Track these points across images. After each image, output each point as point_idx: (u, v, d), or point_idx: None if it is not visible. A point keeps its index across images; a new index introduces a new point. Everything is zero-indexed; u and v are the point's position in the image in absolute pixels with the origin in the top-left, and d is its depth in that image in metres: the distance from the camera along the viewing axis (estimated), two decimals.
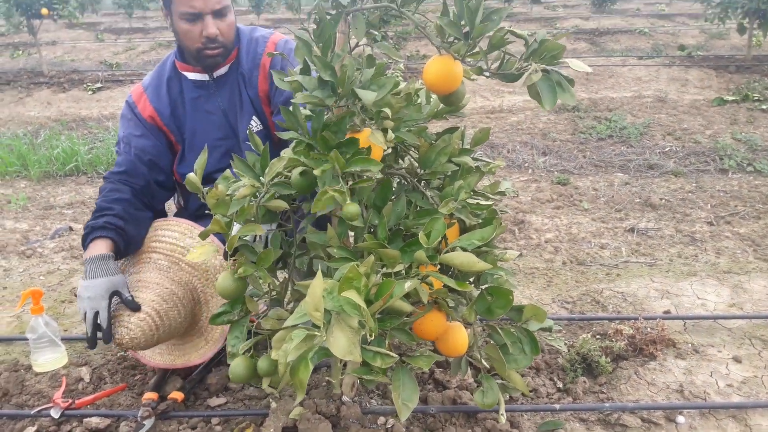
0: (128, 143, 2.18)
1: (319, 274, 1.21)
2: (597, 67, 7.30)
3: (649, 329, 2.26)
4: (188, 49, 2.09)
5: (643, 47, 9.12)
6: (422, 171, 1.65)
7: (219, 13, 2.04)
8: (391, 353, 1.35)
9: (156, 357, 2.18)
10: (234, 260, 1.63)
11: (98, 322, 1.84)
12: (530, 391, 2.11)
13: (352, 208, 1.37)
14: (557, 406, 1.97)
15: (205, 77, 2.18)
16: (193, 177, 1.54)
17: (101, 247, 1.97)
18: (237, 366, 1.69)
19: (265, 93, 2.18)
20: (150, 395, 2.02)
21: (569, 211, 4.28)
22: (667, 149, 5.54)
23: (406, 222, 1.52)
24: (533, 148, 5.65)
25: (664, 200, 4.33)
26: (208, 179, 2.16)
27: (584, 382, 2.11)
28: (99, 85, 7.61)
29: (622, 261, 3.24)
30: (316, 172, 1.38)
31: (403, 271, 1.43)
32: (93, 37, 11.53)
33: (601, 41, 9.81)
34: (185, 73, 2.19)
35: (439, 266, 1.53)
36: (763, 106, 6.20)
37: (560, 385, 2.13)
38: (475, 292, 1.61)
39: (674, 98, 6.58)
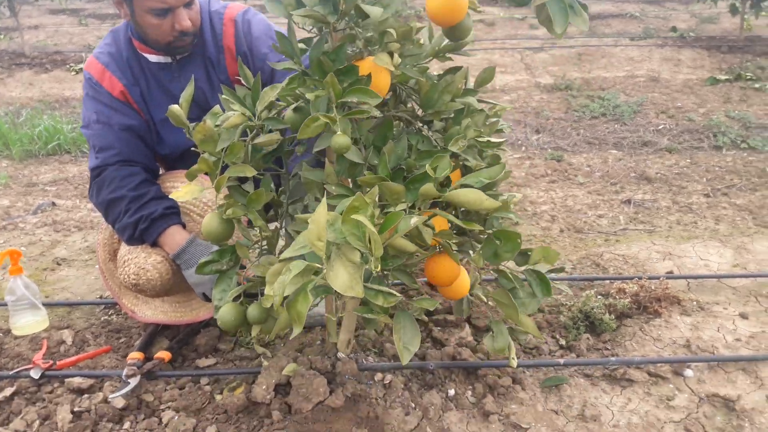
0: (106, 122, 1.99)
1: (324, 201, 1.12)
2: (590, 47, 7.24)
3: (653, 287, 2.20)
4: (156, 43, 1.94)
5: (635, 31, 9.06)
6: (424, 112, 1.56)
7: (189, 3, 1.89)
8: (394, 292, 1.26)
9: (158, 314, 2.09)
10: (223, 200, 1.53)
11: None
12: (532, 349, 2.04)
13: (342, 139, 1.28)
14: (561, 361, 1.90)
15: (168, 59, 2.03)
16: (177, 109, 1.43)
17: (179, 233, 1.93)
18: (226, 312, 1.60)
19: (236, 74, 2.06)
20: (135, 355, 1.93)
21: (564, 185, 4.22)
22: (660, 127, 5.49)
23: (408, 161, 1.43)
24: (526, 126, 5.58)
25: (659, 174, 4.28)
26: (185, 155, 2.05)
27: (588, 339, 2.04)
28: (82, 65, 7.43)
29: (620, 228, 3.18)
30: (308, 96, 1.28)
31: (407, 210, 1.35)
32: (77, 23, 11.30)
33: (592, 25, 9.73)
34: (146, 55, 2.03)
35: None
36: (756, 85, 6.17)
37: (563, 342, 2.06)
38: (483, 236, 1.54)
39: (667, 78, 6.54)
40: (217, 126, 1.40)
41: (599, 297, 2.20)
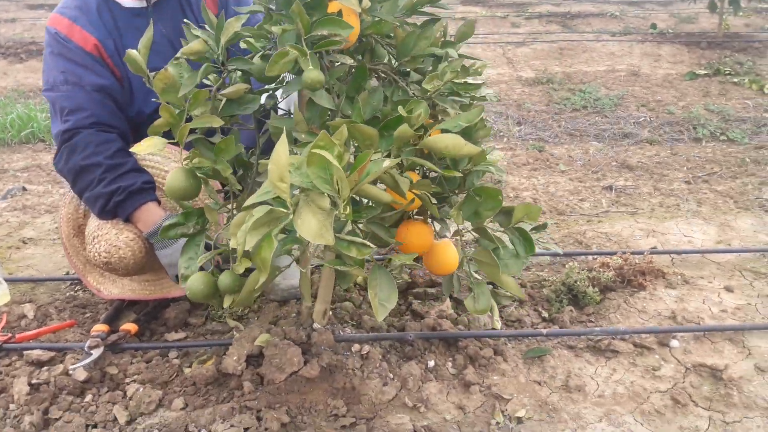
0: (77, 82, 1.82)
1: (283, 136, 1.04)
2: (570, 42, 7.25)
3: (637, 261, 2.15)
4: None
5: (615, 29, 9.12)
6: (399, 61, 1.49)
7: None
8: (368, 243, 1.19)
9: (126, 291, 1.99)
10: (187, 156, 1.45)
11: None
12: (514, 321, 1.98)
13: (313, 74, 1.20)
14: (544, 331, 1.84)
15: (142, 3, 1.90)
16: (135, 54, 1.32)
17: (155, 210, 1.83)
18: (195, 282, 1.51)
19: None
20: (100, 327, 1.84)
21: (546, 172, 4.19)
22: (641, 119, 5.49)
23: (384, 110, 1.35)
24: (508, 118, 5.55)
25: (640, 163, 4.27)
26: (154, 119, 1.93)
27: (571, 311, 1.99)
28: None
29: (602, 211, 3.14)
30: (274, 29, 1.20)
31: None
32: None
33: (573, 24, 9.77)
34: (118, 1, 1.89)
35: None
36: (735, 80, 6.21)
37: (545, 315, 2.00)
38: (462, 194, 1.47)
39: (647, 72, 6.57)
40: (178, 66, 1.32)
41: (583, 270, 2.14)
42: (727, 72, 6.35)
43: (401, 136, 1.20)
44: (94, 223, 1.88)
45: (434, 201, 1.43)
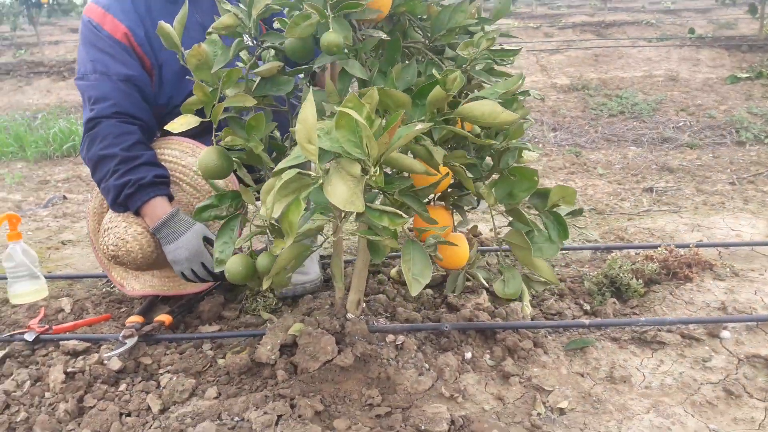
0: (104, 72, 1.83)
1: (310, 96, 1.02)
2: (606, 49, 7.15)
3: (682, 252, 2.06)
4: None
5: (651, 37, 8.98)
6: (434, 36, 1.46)
7: None
8: (401, 213, 1.15)
9: (146, 287, 2.00)
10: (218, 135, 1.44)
11: (208, 270, 1.82)
12: (554, 314, 1.91)
13: (331, 36, 1.17)
14: (587, 322, 1.77)
15: None
16: (168, 28, 1.33)
17: (163, 205, 1.81)
18: (234, 264, 1.50)
19: None
20: (135, 318, 1.83)
21: (583, 176, 4.10)
22: (680, 124, 5.36)
23: (418, 81, 1.33)
24: (543, 125, 5.48)
25: (681, 166, 4.15)
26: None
27: (614, 303, 1.91)
28: None
29: (643, 210, 3.04)
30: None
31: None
32: None
33: (608, 33, 9.65)
34: None
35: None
36: None
37: (587, 308, 1.93)
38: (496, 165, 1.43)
39: (686, 77, 6.42)
40: (212, 43, 1.31)
41: (626, 262, 2.06)
42: None
43: (435, 100, 1.16)
44: (108, 216, 1.88)
45: (469, 174, 1.39)
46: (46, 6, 7.01)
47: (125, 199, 1.80)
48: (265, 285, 1.51)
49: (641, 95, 6.01)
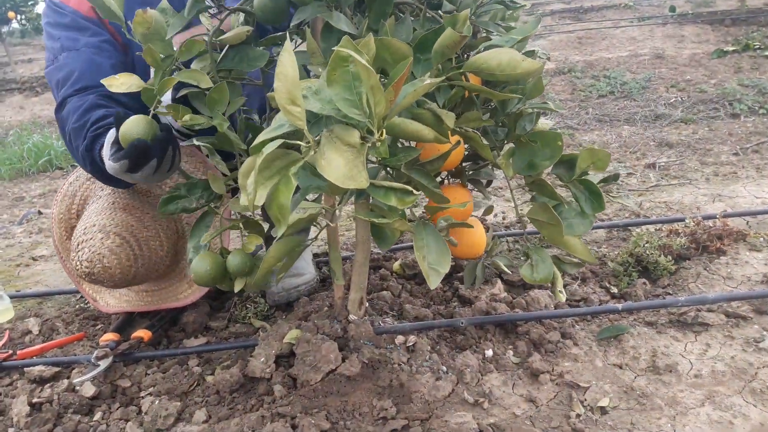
0: (73, 47, 1.61)
1: (287, 46, 0.81)
2: (589, 31, 7.03)
3: (710, 224, 1.88)
4: None
5: (630, 18, 8.88)
6: None
7: None
8: (411, 189, 0.95)
9: (122, 303, 1.78)
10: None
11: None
12: (579, 301, 1.72)
13: None
14: (619, 306, 1.58)
15: None
16: None
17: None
18: (200, 263, 1.29)
19: None
20: (110, 336, 1.61)
21: None
22: (672, 100, 5.23)
23: (416, 33, 1.13)
24: None
25: (680, 140, 4.00)
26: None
27: (644, 284, 1.72)
28: None
29: (652, 185, 2.87)
30: None
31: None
32: None
33: (587, 17, 9.54)
34: None
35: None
36: (767, 53, 5.91)
37: (614, 291, 1.74)
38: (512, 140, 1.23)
39: (672, 54, 6.30)
40: (164, 11, 1.10)
41: (652, 238, 1.87)
42: (757, 47, 6.06)
43: (444, 47, 0.96)
44: (80, 226, 1.63)
45: (485, 142, 1.19)
46: (14, 22, 6.73)
47: (91, 141, 1.49)
48: (238, 286, 1.31)
49: (629, 74, 5.87)
